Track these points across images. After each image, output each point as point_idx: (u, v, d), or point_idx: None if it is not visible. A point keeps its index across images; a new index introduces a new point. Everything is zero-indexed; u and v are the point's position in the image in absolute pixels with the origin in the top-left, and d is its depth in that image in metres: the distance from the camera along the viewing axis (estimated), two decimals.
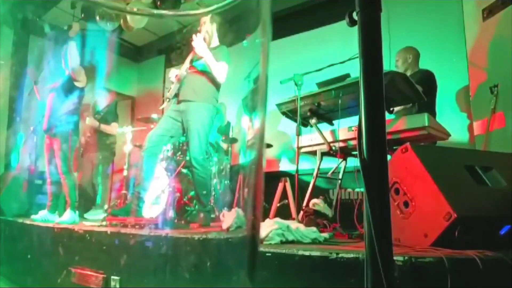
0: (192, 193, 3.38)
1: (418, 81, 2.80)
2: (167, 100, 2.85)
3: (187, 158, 3.05)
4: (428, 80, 3.01)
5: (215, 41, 2.96)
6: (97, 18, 4.49)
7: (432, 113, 2.90)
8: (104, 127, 3.79)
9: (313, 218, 2.41)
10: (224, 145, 4.15)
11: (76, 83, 3.04)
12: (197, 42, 2.69)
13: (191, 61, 2.83)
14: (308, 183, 2.80)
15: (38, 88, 3.19)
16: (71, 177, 3.10)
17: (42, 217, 2.91)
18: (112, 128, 3.88)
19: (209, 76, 2.78)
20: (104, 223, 2.54)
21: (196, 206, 2.99)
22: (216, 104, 2.91)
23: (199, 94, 2.79)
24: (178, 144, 3.53)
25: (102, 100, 4.01)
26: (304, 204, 2.68)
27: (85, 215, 3.55)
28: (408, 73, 3.05)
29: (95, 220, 3.11)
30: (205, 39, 2.87)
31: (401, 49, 3.26)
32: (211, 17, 2.80)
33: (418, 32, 3.79)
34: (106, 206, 3.57)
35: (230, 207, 3.40)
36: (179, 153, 3.65)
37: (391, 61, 3.21)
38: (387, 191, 0.69)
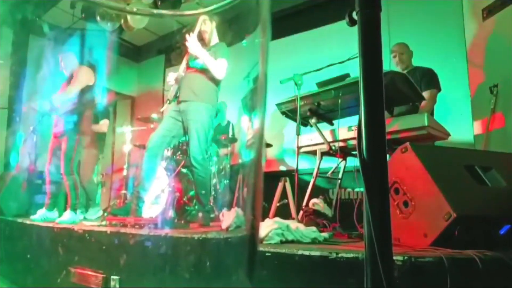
0: (192, 192, 3.38)
1: (422, 76, 2.91)
2: (168, 102, 2.85)
3: (187, 157, 3.04)
4: (433, 76, 3.03)
5: (215, 39, 2.96)
6: (98, 18, 4.49)
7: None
8: (93, 127, 3.70)
9: (313, 217, 2.41)
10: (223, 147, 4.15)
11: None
12: (191, 42, 2.69)
13: (188, 61, 2.83)
14: (308, 183, 2.80)
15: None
16: (72, 177, 3.10)
17: (41, 216, 2.90)
18: (102, 126, 3.81)
19: (207, 74, 2.78)
20: (103, 222, 2.54)
21: (196, 206, 2.99)
22: (215, 103, 2.91)
23: (198, 94, 2.78)
24: (177, 144, 3.53)
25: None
26: (304, 203, 2.68)
27: (85, 214, 3.55)
28: (406, 70, 3.06)
29: (93, 220, 3.11)
30: (205, 38, 2.87)
31: (402, 43, 3.21)
32: (210, 15, 2.80)
33: (418, 32, 3.79)
34: (102, 205, 3.56)
35: (229, 207, 3.40)
36: (179, 152, 3.65)
37: (391, 61, 3.20)
38: (387, 191, 0.69)
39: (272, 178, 3.35)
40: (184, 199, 3.42)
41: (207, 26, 2.85)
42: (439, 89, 3.00)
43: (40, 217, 2.89)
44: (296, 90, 2.74)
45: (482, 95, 3.33)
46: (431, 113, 2.94)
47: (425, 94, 2.94)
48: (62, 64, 3.20)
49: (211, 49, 2.79)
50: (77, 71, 3.13)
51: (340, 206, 2.62)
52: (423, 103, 2.89)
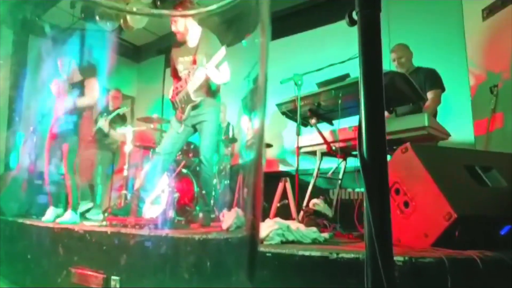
0: (196, 189, 3.41)
1: (425, 77, 2.92)
2: (183, 121, 2.90)
3: (194, 156, 3.07)
4: (436, 76, 3.02)
5: (196, 30, 2.88)
6: (97, 18, 4.49)
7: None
8: (113, 133, 3.73)
9: (313, 218, 2.41)
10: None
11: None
12: (211, 73, 2.69)
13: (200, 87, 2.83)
14: (308, 183, 2.80)
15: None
16: (74, 177, 3.10)
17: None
18: (119, 135, 3.80)
19: (211, 86, 2.83)
20: (104, 223, 2.54)
21: (197, 206, 3.01)
22: (219, 105, 3.00)
23: (206, 102, 2.85)
24: None
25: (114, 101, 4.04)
26: (304, 204, 2.67)
27: (86, 214, 3.55)
28: (408, 72, 3.05)
29: (95, 220, 3.10)
30: (185, 40, 2.86)
31: (402, 45, 3.21)
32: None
33: (418, 32, 3.79)
34: (105, 206, 3.57)
35: (230, 207, 3.40)
36: (179, 153, 3.66)
37: (391, 62, 3.20)
38: (387, 191, 0.69)
39: (273, 178, 3.34)
40: (185, 199, 3.42)
41: (180, 25, 2.81)
42: (443, 89, 2.99)
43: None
44: (296, 90, 2.74)
45: (483, 96, 3.32)
46: (435, 114, 2.93)
47: (429, 94, 2.94)
48: (61, 68, 3.19)
49: (205, 52, 2.77)
50: (90, 83, 3.15)
51: (340, 207, 2.62)
52: (427, 103, 2.88)
